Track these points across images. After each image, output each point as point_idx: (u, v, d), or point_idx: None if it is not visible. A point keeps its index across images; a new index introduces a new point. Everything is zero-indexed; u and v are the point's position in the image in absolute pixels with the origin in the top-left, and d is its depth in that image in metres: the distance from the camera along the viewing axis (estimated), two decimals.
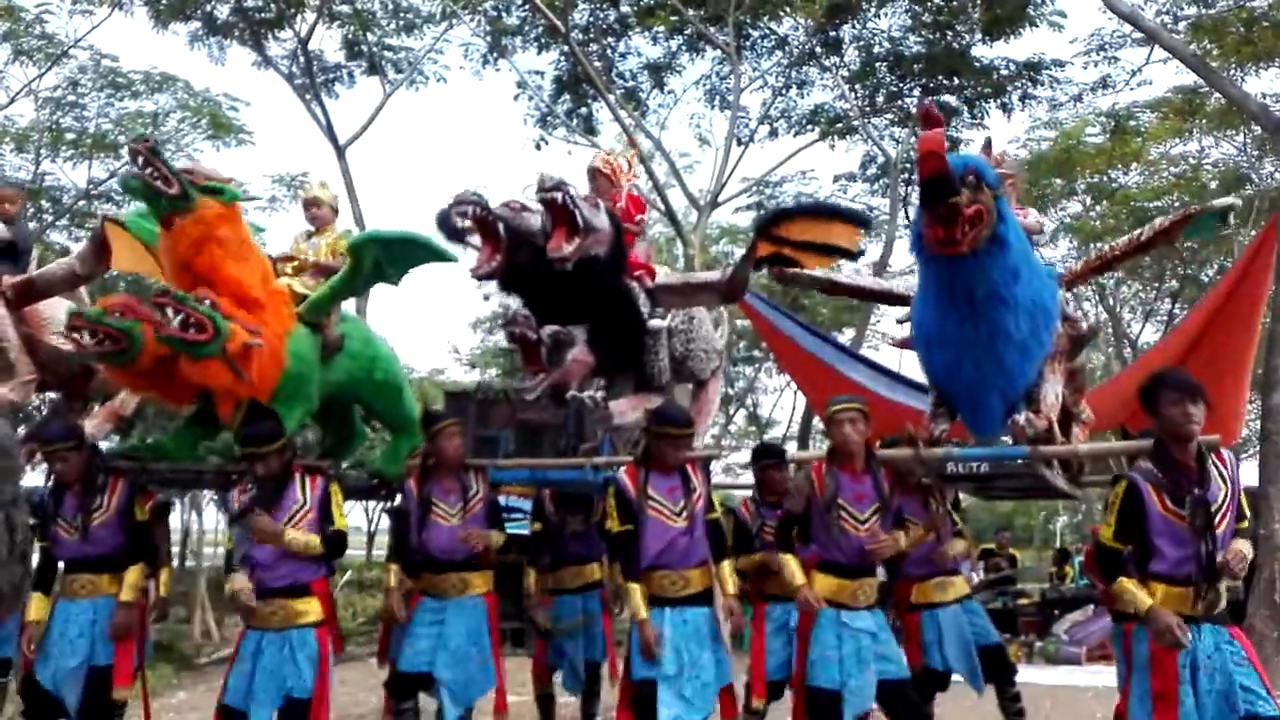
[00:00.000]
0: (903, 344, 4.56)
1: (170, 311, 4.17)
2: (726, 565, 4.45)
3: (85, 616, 4.55)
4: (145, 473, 4.83)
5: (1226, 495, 3.42)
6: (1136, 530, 3.44)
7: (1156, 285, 16.18)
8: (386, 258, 4.75)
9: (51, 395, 6.30)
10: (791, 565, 4.16)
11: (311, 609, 4.21)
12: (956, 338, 3.88)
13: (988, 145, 4.52)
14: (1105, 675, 9.28)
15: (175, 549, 18.23)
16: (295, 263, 5.34)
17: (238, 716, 4.11)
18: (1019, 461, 3.96)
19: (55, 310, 5.41)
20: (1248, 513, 3.54)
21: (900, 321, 4.58)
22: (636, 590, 4.21)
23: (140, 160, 4.28)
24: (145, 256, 4.80)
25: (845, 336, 15.65)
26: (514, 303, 4.94)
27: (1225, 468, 3.47)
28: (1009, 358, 3.86)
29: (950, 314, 3.85)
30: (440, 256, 4.74)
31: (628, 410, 4.75)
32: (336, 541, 4.31)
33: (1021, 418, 3.96)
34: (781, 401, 21.78)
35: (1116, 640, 3.84)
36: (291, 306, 4.83)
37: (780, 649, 5.07)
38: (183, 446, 4.85)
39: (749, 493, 5.52)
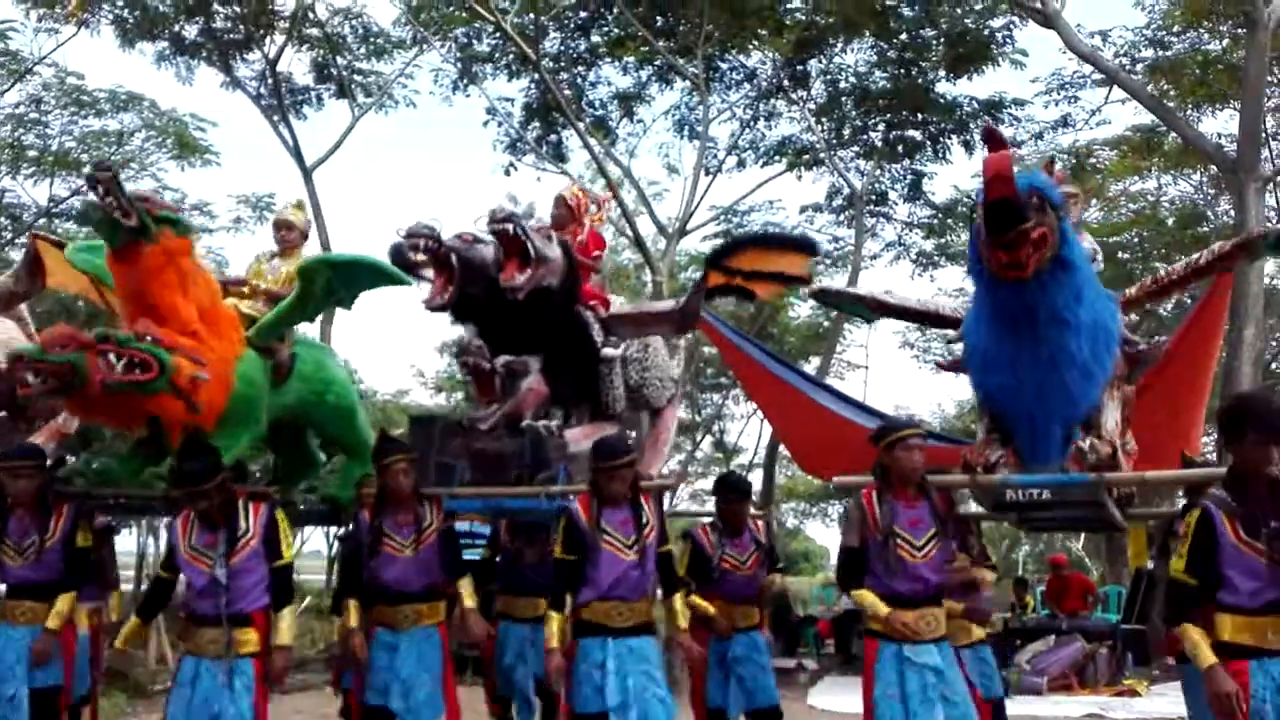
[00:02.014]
0: (950, 366, 4.42)
1: (113, 357, 4.13)
2: (679, 599, 4.41)
3: (25, 643, 4.46)
4: (91, 497, 4.76)
5: None
6: (1206, 560, 3.29)
7: None
8: (338, 281, 4.74)
9: None
10: (869, 598, 3.96)
11: (251, 639, 4.12)
12: (1015, 361, 3.73)
13: (1050, 163, 4.38)
14: (1066, 705, 9.35)
15: (130, 573, 17.88)
16: (248, 287, 5.31)
17: None
18: (1083, 488, 3.80)
19: None
20: None
21: (950, 343, 4.48)
22: (555, 619, 4.19)
23: (100, 190, 4.25)
24: (78, 275, 4.76)
25: (811, 366, 15.74)
26: (469, 331, 4.94)
27: None
28: (1071, 381, 3.72)
29: (1008, 337, 3.70)
30: (393, 280, 4.74)
31: (583, 439, 4.73)
32: (284, 580, 4.24)
33: (1085, 443, 3.80)
34: (748, 429, 21.83)
35: (1186, 681, 3.63)
36: (240, 330, 4.80)
37: (720, 680, 5.04)
38: (129, 471, 4.77)
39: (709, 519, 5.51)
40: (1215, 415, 3.49)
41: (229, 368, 4.55)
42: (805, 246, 4.78)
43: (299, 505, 5.51)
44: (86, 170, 4.59)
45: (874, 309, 4.81)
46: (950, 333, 4.46)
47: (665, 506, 4.81)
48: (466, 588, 4.71)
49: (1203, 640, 3.27)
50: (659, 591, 4.54)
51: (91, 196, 4.35)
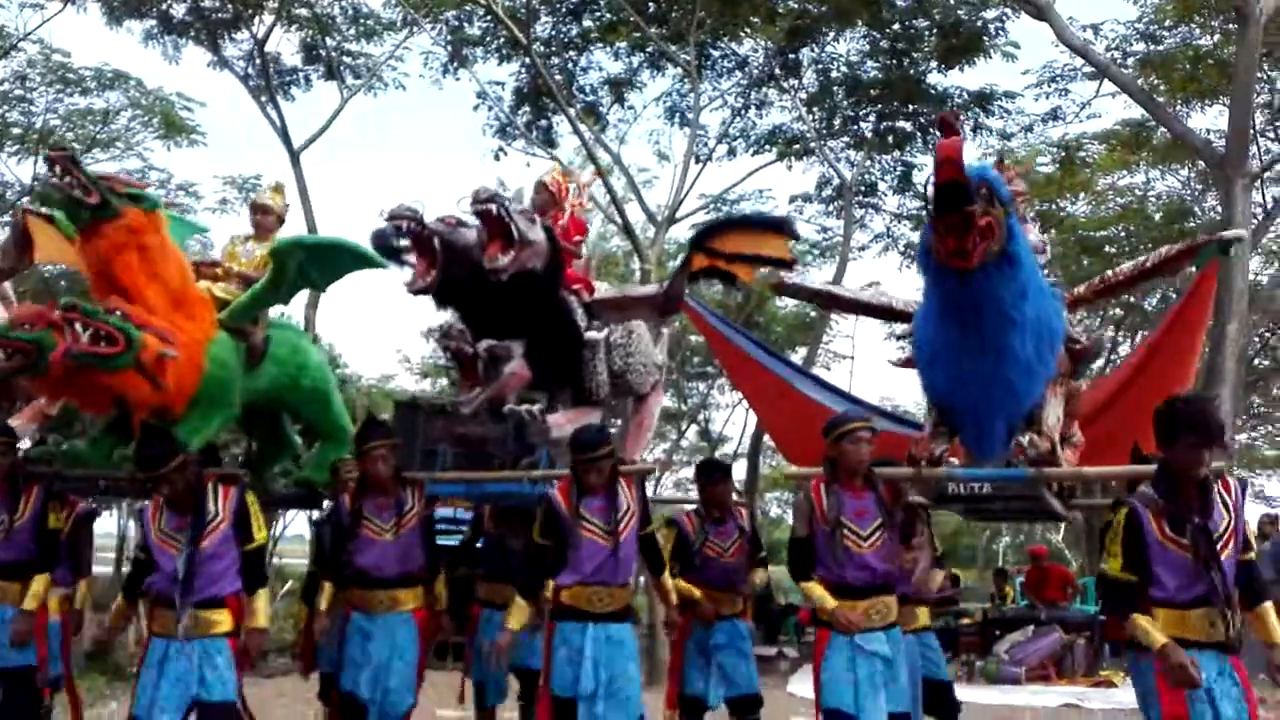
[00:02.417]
0: (904, 364, 4.49)
1: (79, 327, 4.09)
2: (667, 577, 4.43)
3: None
4: (61, 478, 4.73)
5: (1229, 524, 3.37)
6: (1139, 557, 3.39)
7: (1101, 313, 16.49)
8: (311, 264, 4.70)
9: None
10: (817, 591, 4.06)
11: (224, 620, 4.11)
12: (961, 356, 3.82)
13: (1000, 160, 4.47)
14: (1044, 695, 9.44)
15: (110, 555, 17.82)
16: (219, 269, 5.26)
17: None
18: (1021, 483, 3.93)
19: None
20: (1253, 544, 3.49)
21: (900, 338, 4.53)
22: (521, 606, 4.30)
23: (58, 170, 4.19)
24: (69, 249, 4.72)
25: (797, 355, 15.74)
26: (452, 316, 4.91)
27: (1229, 495, 3.42)
28: (1015, 377, 3.80)
29: (954, 331, 3.78)
30: (369, 263, 4.71)
31: (565, 424, 4.72)
32: (257, 562, 4.24)
33: (1025, 439, 3.90)
34: (733, 418, 21.85)
35: (1132, 669, 3.71)
36: (213, 312, 4.76)
37: (700, 666, 5.06)
38: (99, 454, 4.74)
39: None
40: (1153, 415, 3.54)
41: (200, 350, 4.52)
42: (782, 227, 4.73)
43: (274, 488, 5.49)
44: (45, 153, 4.51)
45: (827, 302, 4.92)
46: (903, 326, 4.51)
47: (650, 494, 4.83)
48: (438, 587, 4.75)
49: (1151, 625, 3.34)
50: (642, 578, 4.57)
51: (52, 178, 4.28)
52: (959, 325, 3.74)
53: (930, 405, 4.27)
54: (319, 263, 4.76)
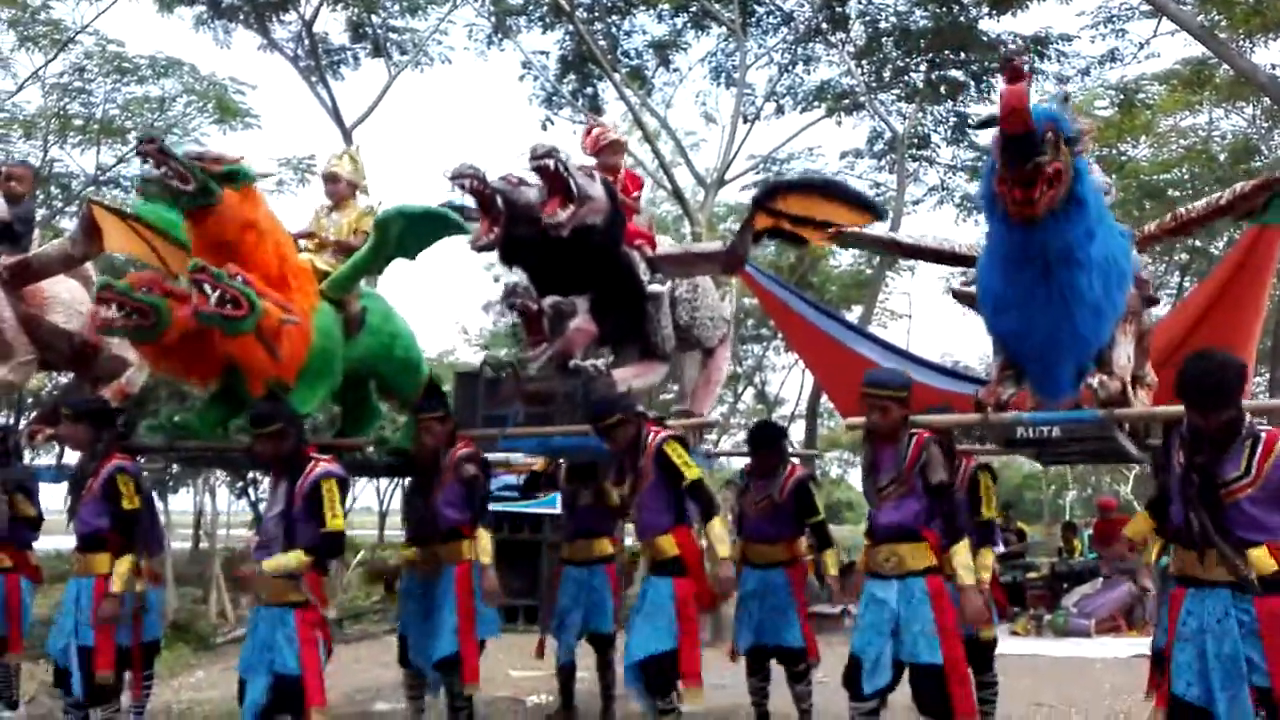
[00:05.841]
0: (962, 296, 4.49)
1: (208, 288, 4.15)
2: (717, 523, 4.50)
3: (71, 594, 4.63)
4: (173, 450, 4.87)
5: (1245, 478, 3.24)
6: (1162, 481, 3.44)
7: (1166, 259, 16.09)
8: (409, 233, 4.77)
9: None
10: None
11: (294, 589, 4.11)
12: (1027, 301, 3.76)
13: (1065, 98, 4.38)
14: (1113, 646, 9.35)
15: (188, 531, 18.33)
16: (316, 239, 5.35)
17: (244, 686, 4.19)
18: (1093, 425, 3.90)
19: (58, 289, 5.44)
20: None
21: (967, 284, 4.49)
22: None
23: (152, 161, 4.28)
24: (135, 239, 4.80)
25: (853, 315, 15.61)
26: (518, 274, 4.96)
27: (1267, 455, 3.23)
28: (1082, 319, 3.75)
29: (1021, 276, 3.72)
30: (461, 230, 4.78)
31: (631, 379, 4.78)
32: (328, 544, 4.11)
33: (1095, 380, 3.86)
34: (790, 379, 21.75)
35: None
36: (315, 283, 4.85)
37: (757, 613, 5.12)
38: (208, 424, 4.85)
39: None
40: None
41: (308, 320, 4.62)
42: (864, 204, 4.63)
43: (369, 457, 5.62)
44: (136, 146, 4.59)
45: (890, 249, 4.89)
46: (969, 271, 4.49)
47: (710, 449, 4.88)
48: (481, 541, 4.78)
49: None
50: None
51: (147, 168, 4.37)
52: (1024, 270, 3.69)
53: (996, 351, 4.24)
54: (415, 231, 4.82)
